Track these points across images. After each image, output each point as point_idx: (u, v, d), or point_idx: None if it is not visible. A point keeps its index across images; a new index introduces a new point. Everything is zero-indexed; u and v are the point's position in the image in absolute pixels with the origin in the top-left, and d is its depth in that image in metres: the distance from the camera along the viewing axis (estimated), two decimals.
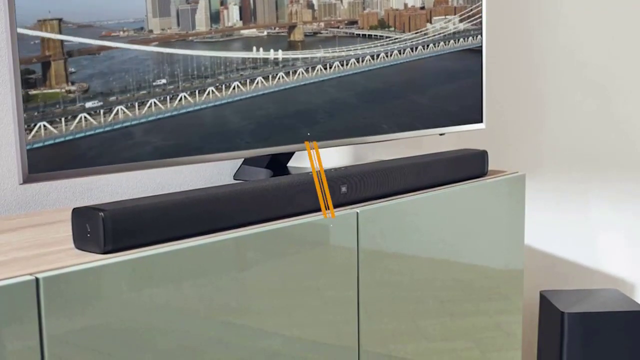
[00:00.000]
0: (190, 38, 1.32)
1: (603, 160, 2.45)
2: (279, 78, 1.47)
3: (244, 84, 1.41)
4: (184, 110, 1.31)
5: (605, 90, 2.44)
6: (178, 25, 1.30)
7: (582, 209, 2.47)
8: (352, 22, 1.61)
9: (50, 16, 1.12)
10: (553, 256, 2.47)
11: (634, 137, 2.45)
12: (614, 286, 2.46)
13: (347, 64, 1.60)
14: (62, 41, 1.13)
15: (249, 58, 1.42)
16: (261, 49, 1.44)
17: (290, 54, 1.49)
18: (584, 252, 2.48)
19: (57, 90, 1.13)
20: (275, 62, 1.46)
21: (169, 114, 1.28)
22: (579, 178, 2.45)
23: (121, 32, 1.21)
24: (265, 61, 1.45)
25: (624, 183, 2.46)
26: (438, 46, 1.78)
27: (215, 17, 1.37)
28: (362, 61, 1.63)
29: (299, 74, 1.51)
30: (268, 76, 1.45)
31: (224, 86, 1.37)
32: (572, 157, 2.44)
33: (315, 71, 1.54)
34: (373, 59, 1.65)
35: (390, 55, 1.68)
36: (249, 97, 1.42)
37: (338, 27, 1.58)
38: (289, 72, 1.49)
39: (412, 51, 1.72)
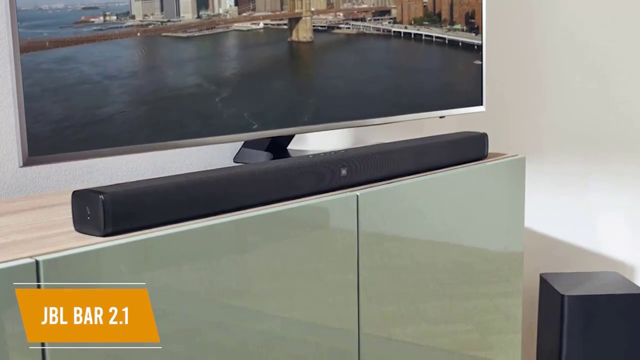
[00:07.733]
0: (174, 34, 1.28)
1: (603, 143, 2.45)
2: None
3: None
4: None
5: (605, 73, 2.43)
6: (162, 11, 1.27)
7: (582, 191, 2.46)
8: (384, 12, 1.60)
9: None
10: (553, 239, 2.47)
11: (634, 119, 2.44)
12: (614, 269, 2.46)
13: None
14: None
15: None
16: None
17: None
18: (584, 234, 2.48)
19: None
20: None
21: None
22: (579, 160, 2.45)
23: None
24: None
25: (624, 165, 2.45)
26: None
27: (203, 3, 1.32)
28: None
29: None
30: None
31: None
32: (572, 139, 2.44)
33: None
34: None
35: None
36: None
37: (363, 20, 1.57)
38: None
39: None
